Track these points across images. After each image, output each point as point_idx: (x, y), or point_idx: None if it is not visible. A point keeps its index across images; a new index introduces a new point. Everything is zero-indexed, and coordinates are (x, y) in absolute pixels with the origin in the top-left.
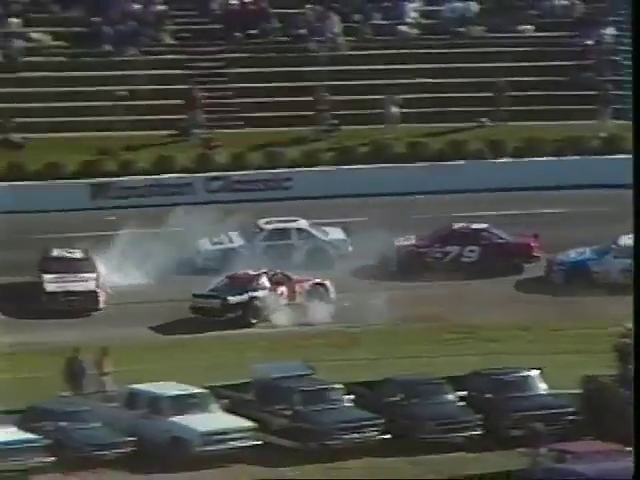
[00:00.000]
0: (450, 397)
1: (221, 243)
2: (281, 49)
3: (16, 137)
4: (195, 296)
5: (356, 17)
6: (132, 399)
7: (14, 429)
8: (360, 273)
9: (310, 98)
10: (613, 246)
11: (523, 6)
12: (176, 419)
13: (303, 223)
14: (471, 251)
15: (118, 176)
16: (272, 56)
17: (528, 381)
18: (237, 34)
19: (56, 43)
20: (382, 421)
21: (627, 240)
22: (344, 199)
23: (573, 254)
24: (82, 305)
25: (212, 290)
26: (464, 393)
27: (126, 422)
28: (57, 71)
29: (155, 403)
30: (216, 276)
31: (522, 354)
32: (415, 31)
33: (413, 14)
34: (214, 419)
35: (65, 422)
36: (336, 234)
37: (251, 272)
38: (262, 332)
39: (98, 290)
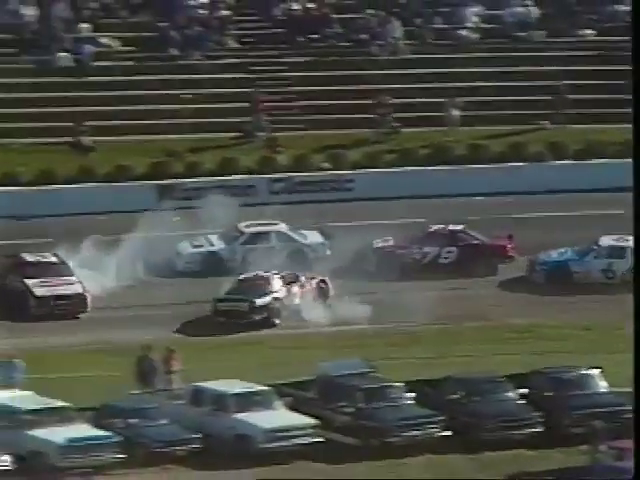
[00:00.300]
0: (511, 395)
1: (202, 246)
2: (343, 53)
3: (86, 140)
4: (219, 300)
5: (417, 21)
6: (197, 396)
7: (87, 426)
8: (341, 274)
9: (372, 101)
10: (594, 247)
11: (583, 11)
12: (240, 416)
13: (282, 227)
14: (449, 252)
15: (184, 178)
16: (334, 60)
17: (588, 379)
18: (300, 39)
19: (125, 48)
20: (443, 418)
21: (608, 241)
22: (404, 200)
23: (555, 254)
24: (73, 308)
25: (230, 293)
26: (525, 391)
27: (192, 419)
28: (126, 75)
29: (220, 400)
30: (197, 278)
31: (584, 353)
32: (476, 35)
33: (474, 18)
34: (277, 416)
35: (135, 419)
36: (315, 237)
37: (262, 273)
38: (324, 331)
39: (86, 293)
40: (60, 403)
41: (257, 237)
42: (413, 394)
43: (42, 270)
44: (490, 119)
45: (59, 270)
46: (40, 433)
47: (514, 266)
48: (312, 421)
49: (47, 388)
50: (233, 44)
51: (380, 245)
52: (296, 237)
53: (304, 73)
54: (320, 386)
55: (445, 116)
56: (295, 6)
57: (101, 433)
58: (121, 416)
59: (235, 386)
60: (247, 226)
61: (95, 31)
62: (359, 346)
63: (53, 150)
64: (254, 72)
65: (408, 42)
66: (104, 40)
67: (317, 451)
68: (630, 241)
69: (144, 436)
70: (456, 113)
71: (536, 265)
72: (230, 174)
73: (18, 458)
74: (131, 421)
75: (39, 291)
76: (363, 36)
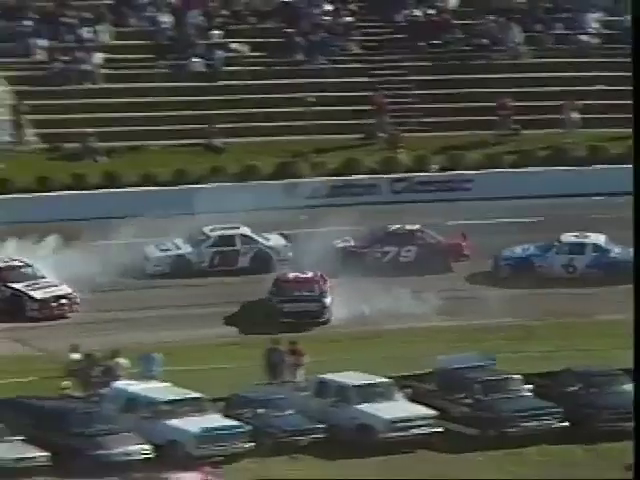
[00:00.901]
0: (626, 388)
1: (169, 249)
2: (464, 57)
3: (217, 142)
4: (282, 301)
5: (537, 27)
6: (321, 388)
7: (219, 416)
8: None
9: (491, 103)
10: (556, 243)
11: None
12: (363, 407)
13: (246, 230)
14: (408, 251)
15: (310, 177)
16: (455, 64)
17: None
18: (421, 44)
19: (253, 53)
20: (559, 410)
21: (568, 237)
22: (522, 200)
23: (519, 250)
24: (69, 308)
25: (277, 294)
26: None
27: (316, 409)
28: (254, 79)
29: (343, 392)
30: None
31: None
32: (596, 40)
33: (594, 24)
34: (398, 407)
35: (263, 409)
36: (277, 240)
37: (310, 274)
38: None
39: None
40: (194, 394)
41: (222, 240)
42: (531, 386)
43: (20, 274)
44: (611, 122)
45: (35, 273)
46: (176, 423)
47: None
48: (432, 412)
49: (183, 380)
50: (356, 49)
51: (342, 245)
52: (260, 240)
53: (425, 77)
54: (440, 378)
55: (564, 118)
56: (417, 12)
57: (232, 423)
58: (250, 406)
59: (357, 378)
60: (212, 230)
61: (226, 37)
62: (473, 340)
63: (187, 151)
64: (376, 76)
65: (529, 47)
66: (234, 46)
67: (437, 441)
68: (590, 238)
69: (271, 426)
70: (575, 115)
71: (500, 260)
72: (353, 174)
73: (156, 447)
74: (259, 411)
75: (38, 294)
76: (484, 41)
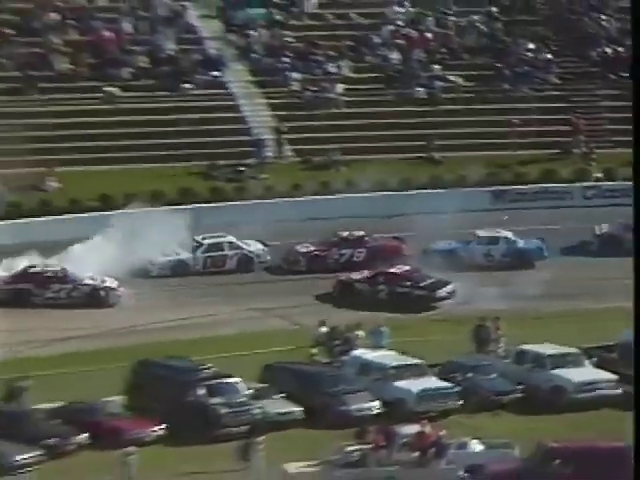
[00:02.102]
0: None
1: (170, 255)
2: None
3: (437, 155)
4: (401, 287)
5: None
6: (520, 357)
7: (435, 379)
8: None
9: None
10: (475, 237)
11: None
12: (556, 372)
13: (231, 237)
14: (359, 252)
15: (513, 185)
16: None
17: None
18: (612, 76)
19: (467, 83)
20: None
21: (483, 232)
22: None
23: (443, 243)
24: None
25: (387, 283)
26: None
27: (516, 374)
28: (467, 104)
29: (539, 359)
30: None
31: None
32: None
33: None
34: (586, 372)
35: (471, 373)
36: (257, 246)
37: (407, 266)
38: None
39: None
40: (415, 360)
41: (213, 246)
42: None
43: (64, 275)
44: None
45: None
46: (401, 384)
47: None
48: (614, 376)
49: (405, 349)
50: (554, 80)
51: (304, 250)
52: (243, 246)
53: (616, 103)
54: (622, 349)
55: None
56: (607, 50)
57: (445, 384)
58: (460, 371)
59: (550, 348)
60: (204, 238)
61: (443, 70)
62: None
63: (411, 163)
64: (573, 102)
65: None
66: (451, 77)
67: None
68: (501, 232)
69: (478, 387)
70: None
71: (431, 252)
72: (550, 182)
73: (385, 404)
74: (468, 375)
75: (112, 283)
76: None
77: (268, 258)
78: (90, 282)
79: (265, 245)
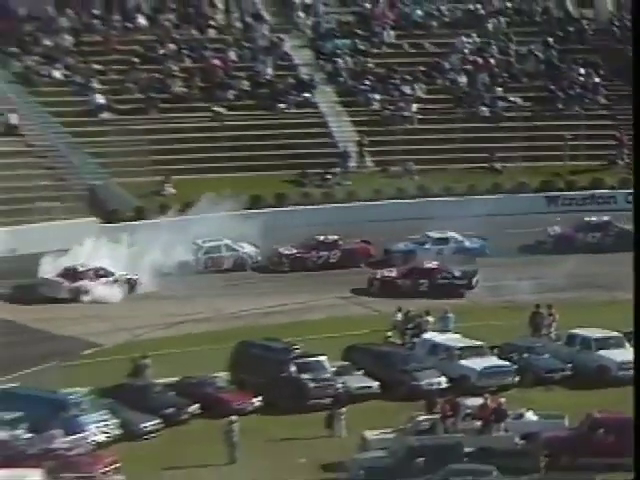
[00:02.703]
0: None
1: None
2: None
3: (497, 165)
4: (442, 278)
5: None
6: (570, 339)
7: (495, 358)
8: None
9: None
10: (427, 238)
11: None
12: (601, 352)
13: (228, 240)
14: (334, 254)
15: (565, 191)
16: None
17: None
18: None
19: (525, 103)
20: None
21: (434, 233)
22: None
23: (401, 245)
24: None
25: (427, 277)
26: None
27: (566, 354)
28: (525, 121)
29: (586, 342)
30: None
31: None
32: None
33: None
34: (627, 353)
35: (527, 354)
36: (249, 248)
37: (434, 263)
38: None
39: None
40: (478, 342)
41: (212, 249)
42: None
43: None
44: None
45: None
46: (466, 363)
47: None
48: None
49: (468, 333)
50: (603, 100)
51: (287, 252)
52: (237, 248)
53: None
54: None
55: None
56: None
57: (504, 363)
58: (517, 352)
59: (596, 332)
60: (204, 242)
61: (505, 92)
62: None
63: (476, 172)
64: (617, 119)
65: None
66: (511, 98)
67: None
68: (448, 233)
69: (533, 365)
70: None
71: (392, 254)
72: (598, 189)
73: (451, 380)
74: (524, 355)
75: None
76: None
77: (259, 259)
78: (117, 276)
79: (257, 247)
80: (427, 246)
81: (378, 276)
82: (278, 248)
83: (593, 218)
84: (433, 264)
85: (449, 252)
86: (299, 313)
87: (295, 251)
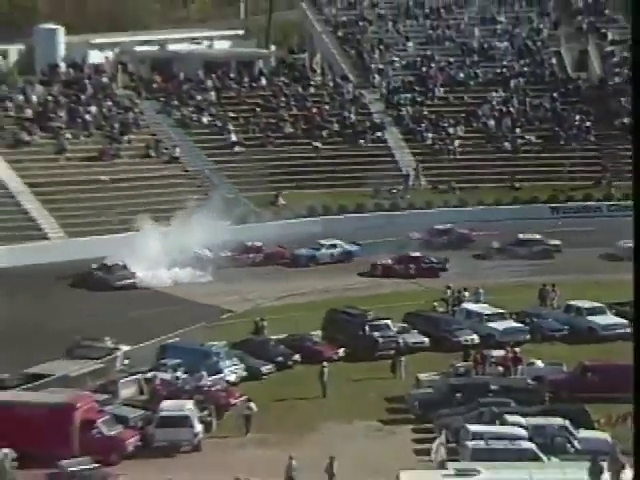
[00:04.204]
0: None
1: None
2: None
3: (517, 184)
4: (424, 263)
5: None
6: (568, 308)
7: (512, 321)
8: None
9: None
10: (320, 245)
11: None
12: (590, 318)
13: (337, 241)
14: (259, 256)
15: (565, 202)
16: None
17: None
18: (628, 137)
19: (537, 140)
20: None
21: (325, 241)
22: None
23: (303, 250)
24: None
25: (413, 263)
26: None
27: (564, 319)
28: (537, 153)
29: (579, 310)
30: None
31: None
32: None
33: None
34: (610, 319)
35: (536, 318)
36: (348, 246)
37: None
38: None
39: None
40: (500, 310)
41: (330, 246)
42: None
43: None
44: None
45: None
46: (492, 324)
47: None
48: (626, 321)
49: (493, 303)
50: (592, 138)
51: (228, 255)
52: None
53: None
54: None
55: None
56: (624, 120)
57: (519, 325)
58: (529, 317)
59: (587, 303)
60: (325, 241)
61: (522, 132)
62: None
63: (498, 189)
64: (603, 152)
65: None
66: (527, 136)
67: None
68: (335, 241)
69: (540, 327)
70: None
71: (298, 256)
72: (589, 201)
73: (481, 337)
74: (534, 319)
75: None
76: None
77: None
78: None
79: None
80: (322, 251)
81: (379, 263)
82: (221, 251)
83: (527, 235)
84: (417, 254)
85: (337, 254)
86: (370, 289)
87: (230, 254)
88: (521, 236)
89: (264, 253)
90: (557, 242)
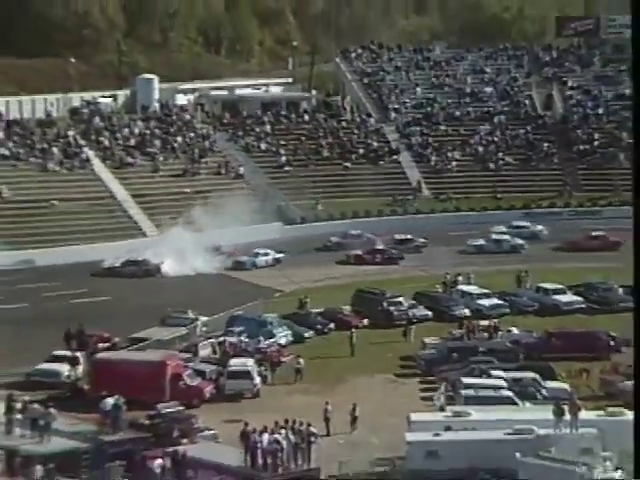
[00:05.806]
0: None
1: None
2: None
3: (498, 195)
4: (387, 254)
5: None
6: (538, 289)
7: (496, 299)
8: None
9: None
10: (257, 254)
11: None
12: (554, 296)
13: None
14: (228, 255)
15: (535, 209)
16: None
17: None
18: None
19: (514, 162)
20: None
21: (261, 250)
22: None
23: (245, 258)
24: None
25: (380, 254)
26: None
27: (535, 297)
28: (515, 171)
29: (546, 291)
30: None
31: None
32: None
33: None
34: (570, 297)
35: (513, 297)
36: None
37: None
38: None
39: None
40: (487, 291)
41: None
42: None
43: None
44: None
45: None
46: (480, 301)
47: None
48: (582, 299)
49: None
50: (555, 160)
51: (229, 250)
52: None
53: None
54: (585, 287)
55: None
56: (581, 147)
57: (501, 302)
58: (508, 296)
59: (552, 286)
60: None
61: (503, 155)
62: None
63: (482, 198)
64: (563, 173)
65: None
66: (506, 158)
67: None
68: (267, 250)
69: (517, 303)
70: None
71: (239, 262)
72: (552, 208)
73: (472, 311)
74: (512, 297)
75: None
76: None
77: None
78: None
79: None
80: (259, 257)
81: (352, 254)
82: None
83: (401, 235)
84: (382, 246)
85: (270, 260)
86: (383, 274)
87: (230, 250)
88: (397, 236)
89: (226, 253)
90: (424, 240)
